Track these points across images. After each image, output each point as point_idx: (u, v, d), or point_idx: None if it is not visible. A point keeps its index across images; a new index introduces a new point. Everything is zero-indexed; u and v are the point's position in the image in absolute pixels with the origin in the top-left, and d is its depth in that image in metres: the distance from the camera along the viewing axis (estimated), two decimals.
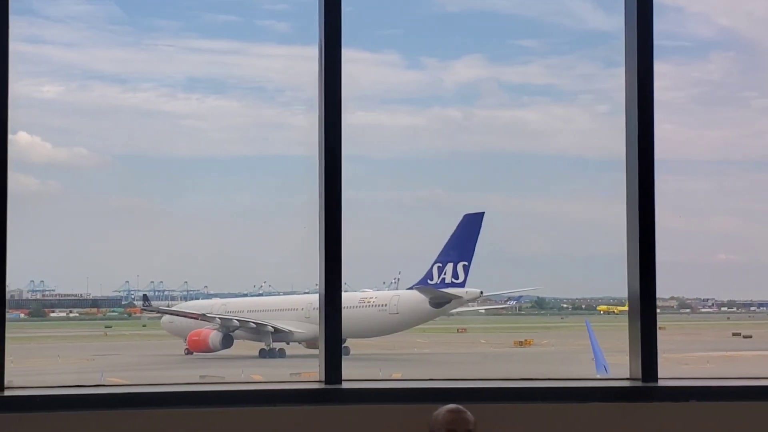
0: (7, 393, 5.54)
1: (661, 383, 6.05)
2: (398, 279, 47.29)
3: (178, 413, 5.53)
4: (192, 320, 37.71)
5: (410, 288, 37.61)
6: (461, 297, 35.59)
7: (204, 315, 37.62)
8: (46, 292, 55.23)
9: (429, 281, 36.02)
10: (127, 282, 51.81)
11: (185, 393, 5.79)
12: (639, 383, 6.04)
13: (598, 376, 18.12)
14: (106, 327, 51.50)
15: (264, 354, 36.98)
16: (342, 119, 6.02)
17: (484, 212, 35.12)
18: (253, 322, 37.26)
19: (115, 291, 53.48)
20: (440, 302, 35.65)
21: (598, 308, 56.66)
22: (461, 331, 48.95)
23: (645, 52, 6.27)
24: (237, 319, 37.37)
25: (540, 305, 61.08)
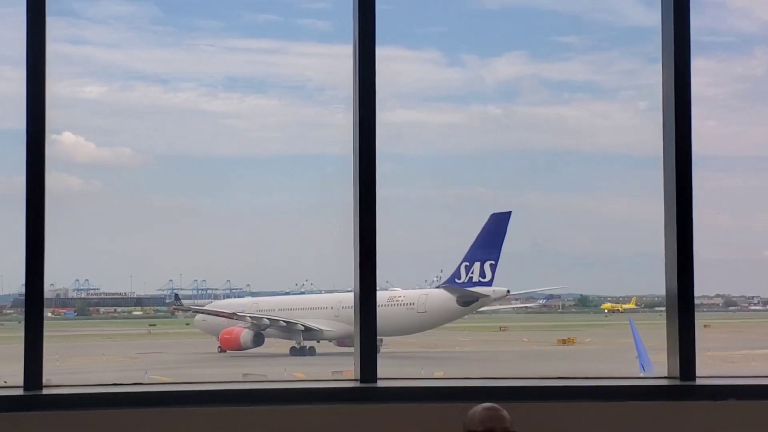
0: (45, 392, 5.58)
1: (699, 382, 6.00)
2: (440, 277, 47.24)
3: (215, 411, 5.55)
4: (224, 319, 38.37)
5: (437, 287, 38.02)
6: (488, 296, 35.94)
7: (235, 313, 38.20)
8: (91, 291, 55.78)
9: (457, 280, 36.39)
10: (171, 281, 52.25)
11: (222, 391, 5.82)
12: (677, 382, 6.00)
13: (641, 375, 18.03)
14: (150, 325, 52.00)
15: (295, 352, 37.63)
16: (377, 117, 6.01)
17: (511, 212, 35.43)
18: (284, 321, 37.93)
19: (159, 290, 53.94)
20: (468, 301, 35.97)
21: (602, 306, 56.19)
22: (503, 330, 48.85)
23: (682, 47, 6.22)
24: (268, 318, 38.02)
25: (583, 303, 60.76)
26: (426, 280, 47.87)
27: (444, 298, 36.14)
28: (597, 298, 61.33)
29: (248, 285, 50.88)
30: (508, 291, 37.52)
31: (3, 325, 51.85)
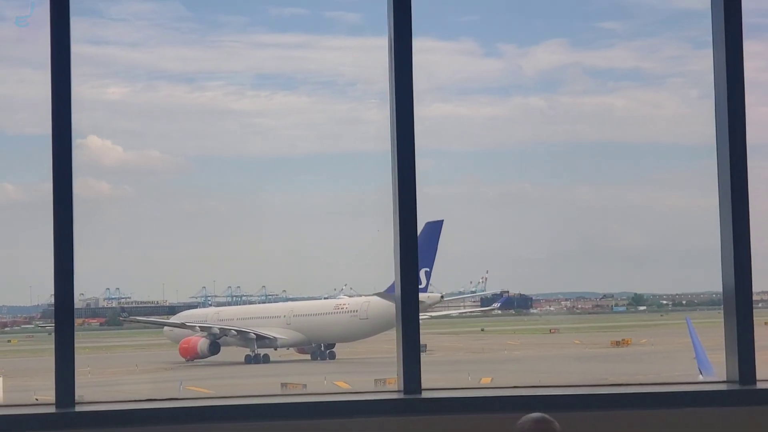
0: (78, 409, 5.63)
1: (759, 386, 5.95)
2: (485, 278, 47.48)
3: (254, 427, 5.57)
4: (189, 329, 41.16)
5: (375, 294, 39.46)
6: (423, 301, 37.48)
7: (184, 324, 41.28)
8: (122, 300, 56.12)
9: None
10: (204, 288, 52.51)
11: (260, 405, 5.82)
12: (736, 386, 5.95)
13: (700, 378, 17.90)
14: None
15: (249, 360, 40.05)
16: (415, 112, 6.01)
17: (443, 220, 36.73)
18: (235, 330, 40.36)
19: (192, 297, 54.17)
20: None
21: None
22: (553, 332, 48.61)
23: (734, 30, 6.18)
24: (219, 327, 40.43)
25: (637, 302, 60.29)
26: (471, 282, 47.90)
27: (384, 304, 37.49)
28: (651, 297, 60.88)
29: (284, 291, 51.08)
30: (442, 296, 39.30)
31: (32, 337, 52.37)
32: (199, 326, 40.59)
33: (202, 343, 40.18)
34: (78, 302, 5.88)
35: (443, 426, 5.60)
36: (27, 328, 56.36)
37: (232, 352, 40.82)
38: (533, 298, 55.94)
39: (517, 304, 55.68)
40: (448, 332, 48.28)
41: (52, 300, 5.86)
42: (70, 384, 5.64)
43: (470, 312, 49.79)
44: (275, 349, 40.61)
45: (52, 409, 5.62)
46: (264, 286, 51.73)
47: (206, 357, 40.02)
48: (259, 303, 48.93)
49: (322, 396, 6.08)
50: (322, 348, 40.71)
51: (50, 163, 5.76)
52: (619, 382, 6.62)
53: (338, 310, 40.06)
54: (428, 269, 37.16)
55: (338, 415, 5.67)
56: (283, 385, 29.04)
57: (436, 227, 36.53)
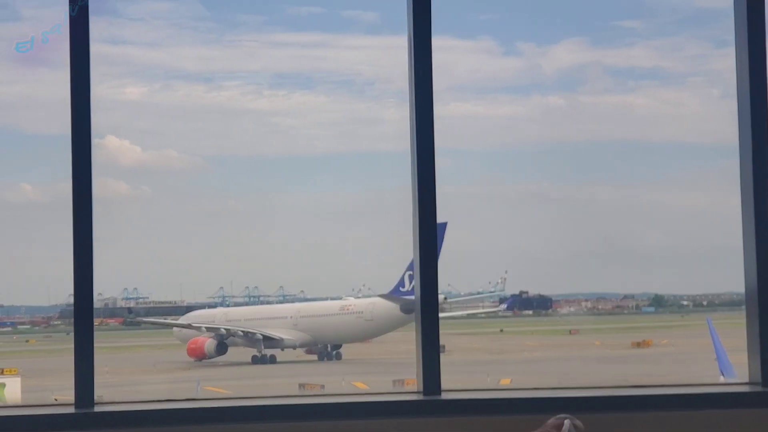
0: (97, 409, 5.64)
1: None
2: (505, 279, 47.52)
3: (272, 427, 5.58)
4: (196, 330, 41.85)
5: (379, 296, 40.79)
6: None
7: (190, 324, 41.94)
8: (140, 300, 56.30)
9: (401, 288, 38.83)
10: (222, 288, 52.60)
11: (279, 406, 5.83)
12: (759, 388, 5.91)
13: (721, 380, 17.84)
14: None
15: (256, 360, 40.62)
16: (435, 111, 6.01)
17: (447, 222, 36.69)
18: (242, 331, 40.85)
19: (210, 297, 54.26)
20: (410, 309, 38.01)
21: None
22: (573, 333, 48.50)
23: (757, 29, 6.15)
24: (225, 328, 40.94)
25: (658, 303, 60.10)
26: (490, 282, 47.90)
27: (389, 306, 38.86)
28: (672, 297, 60.68)
29: (302, 291, 51.17)
30: (445, 298, 39.80)
31: (51, 337, 52.58)
32: (206, 327, 41.18)
33: (209, 343, 40.71)
34: (96, 302, 5.89)
35: (463, 428, 5.59)
36: (44, 328, 56.64)
37: (239, 353, 41.29)
38: (553, 298, 55.85)
39: (537, 304, 55.59)
40: (466, 333, 48.25)
41: (70, 300, 5.89)
42: (89, 384, 5.66)
43: (480, 313, 49.97)
44: (282, 350, 41.11)
45: (71, 410, 5.64)
46: (282, 287, 51.83)
47: (213, 357, 40.56)
48: (276, 303, 49.06)
49: (341, 397, 6.08)
50: (329, 348, 41.11)
51: (69, 163, 5.78)
52: (640, 384, 6.58)
53: (344, 312, 40.66)
54: None
55: (357, 416, 5.67)
56: (301, 385, 29.12)
57: (439, 229, 36.99)
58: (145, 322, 48.97)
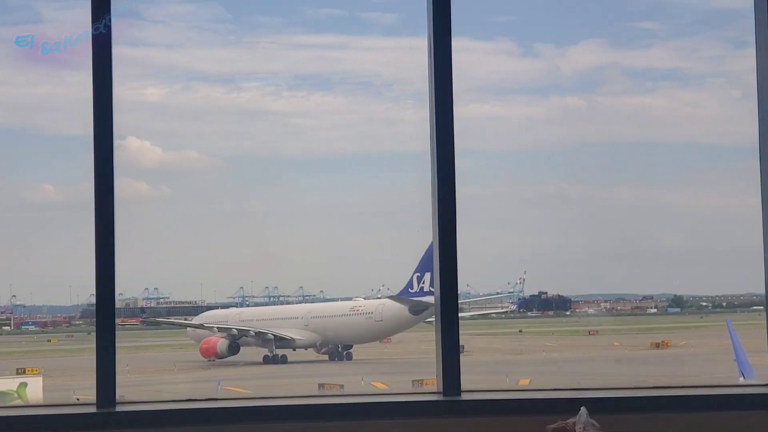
0: (119, 408, 5.67)
1: None
2: (523, 279, 47.54)
3: (292, 427, 5.60)
4: (208, 330, 42.27)
5: (388, 297, 41.16)
6: (430, 305, 38.63)
7: (202, 324, 42.44)
8: (161, 300, 56.46)
9: (410, 290, 39.35)
10: (242, 288, 52.66)
11: (298, 406, 5.85)
12: None
13: (741, 381, 17.76)
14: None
15: (267, 360, 40.79)
16: (455, 112, 6.01)
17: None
18: (253, 331, 41.11)
19: (230, 297, 54.32)
20: (418, 310, 38.77)
21: None
22: (592, 333, 48.35)
23: None
24: (236, 328, 41.23)
25: (677, 303, 59.88)
26: (509, 282, 47.88)
27: (398, 307, 39.21)
28: (692, 298, 60.46)
29: (321, 291, 51.19)
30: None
31: (72, 336, 52.78)
32: (217, 327, 41.54)
33: (221, 343, 41.00)
34: (117, 302, 5.90)
35: (483, 428, 5.59)
36: (67, 328, 56.86)
37: (251, 352, 41.48)
38: (572, 299, 55.74)
39: (556, 305, 55.50)
40: (485, 333, 48.20)
41: (92, 300, 5.92)
42: (111, 384, 5.69)
43: (492, 313, 50.07)
44: (294, 350, 41.42)
45: (93, 409, 5.67)
46: (302, 287, 51.88)
47: (225, 357, 40.84)
48: (296, 303, 49.18)
49: (360, 397, 6.09)
50: (340, 349, 41.40)
51: (90, 164, 5.81)
52: (659, 385, 6.56)
53: (353, 312, 40.97)
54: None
55: (376, 416, 5.67)
56: (321, 385, 29.14)
57: None
58: (159, 323, 49.27)
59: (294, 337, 40.88)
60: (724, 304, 57.60)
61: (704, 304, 60.50)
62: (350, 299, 45.83)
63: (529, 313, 53.46)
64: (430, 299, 39.20)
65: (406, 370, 32.96)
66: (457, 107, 6.02)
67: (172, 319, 48.99)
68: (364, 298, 43.61)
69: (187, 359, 41.07)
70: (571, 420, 4.89)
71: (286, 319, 42.00)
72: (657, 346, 41.96)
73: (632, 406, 5.81)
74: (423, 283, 38.66)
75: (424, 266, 38.70)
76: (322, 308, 43.44)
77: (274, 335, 40.83)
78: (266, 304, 49.23)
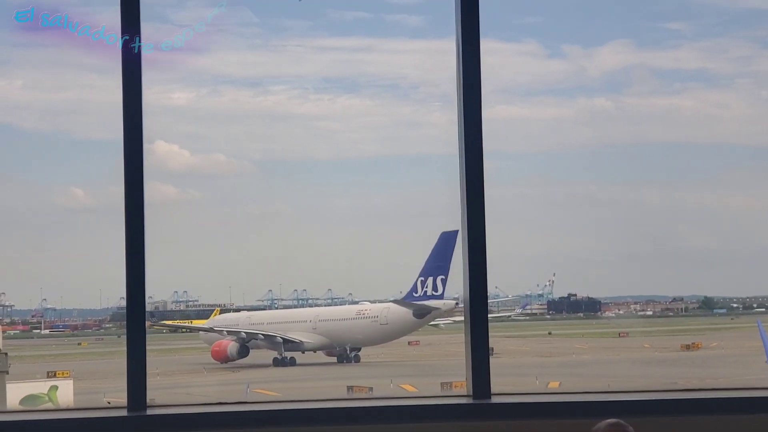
0: (149, 412, 5.69)
1: None
2: (552, 281, 47.42)
3: (322, 431, 5.59)
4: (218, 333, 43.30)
5: (393, 301, 42.29)
6: (439, 308, 39.84)
7: (212, 328, 43.63)
8: (190, 303, 56.62)
9: (414, 294, 40.60)
10: (270, 291, 52.82)
11: (327, 409, 5.84)
12: None
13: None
14: None
15: (277, 362, 41.72)
16: (483, 114, 6.00)
17: (458, 230, 36.43)
18: (263, 334, 41.93)
19: (259, 300, 54.54)
20: (422, 313, 40.20)
21: None
22: (623, 336, 48.14)
23: None
24: (245, 332, 42.16)
25: (707, 305, 59.52)
26: (538, 284, 47.75)
27: (402, 311, 40.15)
28: (722, 300, 60.09)
29: (350, 294, 51.30)
30: (457, 303, 39.84)
31: (102, 339, 53.06)
32: (227, 330, 42.42)
33: (231, 346, 41.79)
34: (146, 305, 5.92)
35: (514, 431, 5.56)
36: (97, 331, 57.17)
37: (260, 355, 42.08)
38: (602, 301, 55.53)
39: (585, 307, 55.29)
40: (514, 336, 48.08)
41: (122, 302, 5.96)
42: (141, 388, 5.71)
43: (502, 316, 50.06)
44: (303, 353, 41.97)
45: (124, 413, 5.69)
46: (330, 289, 51.96)
47: (236, 360, 41.52)
48: (324, 306, 49.28)
49: (390, 400, 6.07)
50: (348, 351, 41.71)
51: (120, 168, 5.84)
52: (690, 387, 6.51)
53: (360, 316, 41.67)
54: (444, 277, 39.00)
55: (406, 419, 5.66)
56: (349, 388, 29.14)
57: (451, 237, 37.58)
58: (168, 327, 49.88)
59: (302, 340, 41.70)
60: (754, 305, 57.24)
61: (735, 305, 60.14)
62: (379, 302, 45.95)
63: (557, 315, 53.30)
64: (434, 303, 39.55)
65: (416, 373, 33.02)
66: (484, 109, 6.00)
67: (179, 323, 49.47)
68: (370, 302, 44.18)
69: (214, 362, 41.32)
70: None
71: (295, 323, 42.83)
72: (687, 347, 41.72)
73: (662, 409, 5.76)
74: (426, 287, 39.76)
75: (427, 271, 39.96)
76: (329, 312, 44.18)
77: (283, 338, 41.67)
78: (295, 307, 49.40)
